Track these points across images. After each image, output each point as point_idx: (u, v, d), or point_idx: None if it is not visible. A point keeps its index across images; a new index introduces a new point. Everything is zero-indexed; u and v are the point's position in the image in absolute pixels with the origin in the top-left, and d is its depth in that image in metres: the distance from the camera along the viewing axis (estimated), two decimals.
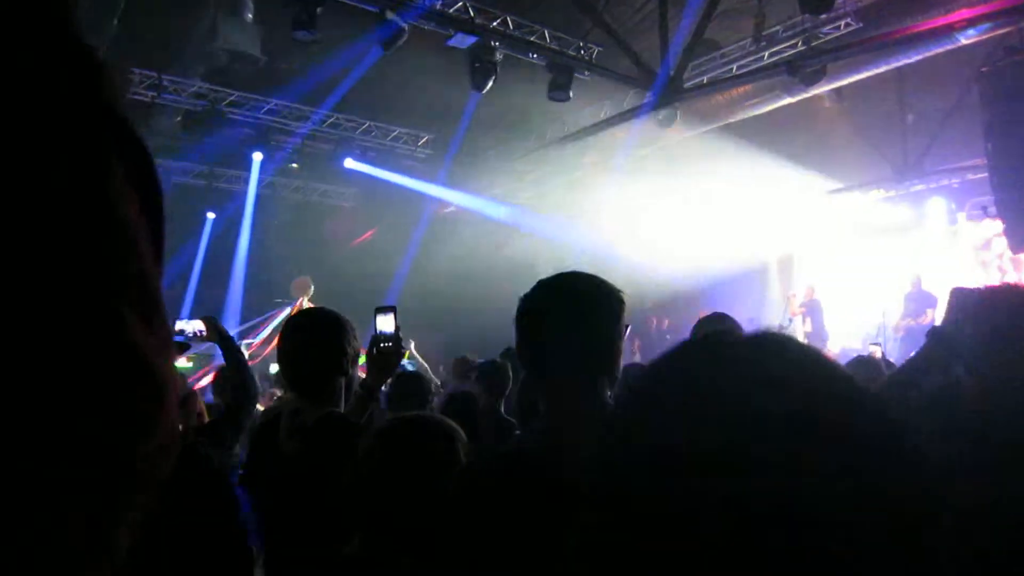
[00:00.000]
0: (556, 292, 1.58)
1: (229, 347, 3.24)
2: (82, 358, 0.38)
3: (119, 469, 0.39)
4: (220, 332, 3.29)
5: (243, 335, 11.63)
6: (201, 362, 10.32)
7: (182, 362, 10.58)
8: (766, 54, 9.04)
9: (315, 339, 2.17)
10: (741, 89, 9.36)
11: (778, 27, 8.87)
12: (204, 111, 10.37)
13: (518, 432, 3.57)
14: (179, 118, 10.57)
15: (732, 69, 9.41)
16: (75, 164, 0.40)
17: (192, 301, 12.62)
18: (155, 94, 10.03)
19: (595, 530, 0.55)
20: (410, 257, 13.60)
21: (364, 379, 2.37)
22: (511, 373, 4.35)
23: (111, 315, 0.40)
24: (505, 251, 13.39)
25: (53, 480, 0.37)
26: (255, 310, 12.83)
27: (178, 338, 3.46)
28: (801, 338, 10.10)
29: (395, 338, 2.35)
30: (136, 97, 9.99)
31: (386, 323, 2.36)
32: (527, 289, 1.59)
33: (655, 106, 9.14)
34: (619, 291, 1.60)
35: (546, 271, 1.64)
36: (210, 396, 5.42)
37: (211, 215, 12.67)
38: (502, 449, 1.57)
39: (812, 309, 11.56)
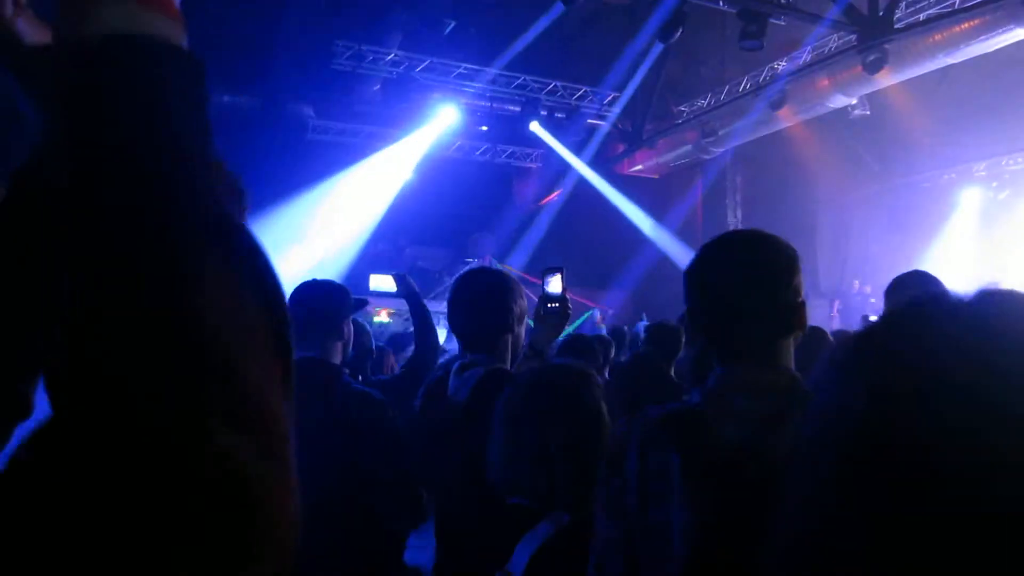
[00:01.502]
0: (729, 251, 1.51)
1: (416, 303, 3.40)
2: (156, 483, 0.34)
3: None
4: (409, 288, 3.46)
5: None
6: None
7: (383, 317, 11.36)
8: None
9: (483, 297, 2.24)
10: (965, 25, 8.35)
11: None
12: (399, 78, 10.88)
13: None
14: (377, 86, 11.16)
15: (955, 2, 8.40)
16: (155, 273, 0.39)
17: (369, 255, 13.32)
18: (356, 64, 10.65)
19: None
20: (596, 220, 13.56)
21: (532, 338, 2.41)
22: (682, 337, 4.23)
23: (190, 429, 0.36)
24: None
25: None
26: (447, 268, 13.41)
27: (369, 295, 3.71)
28: None
29: (562, 299, 2.37)
30: (338, 68, 10.68)
31: (554, 283, 2.38)
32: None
33: (861, 49, 8.39)
34: (792, 247, 1.49)
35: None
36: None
37: (405, 175, 13.28)
38: (664, 408, 1.51)
39: None
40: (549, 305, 2.37)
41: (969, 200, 12.81)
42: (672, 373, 4.25)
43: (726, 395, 1.40)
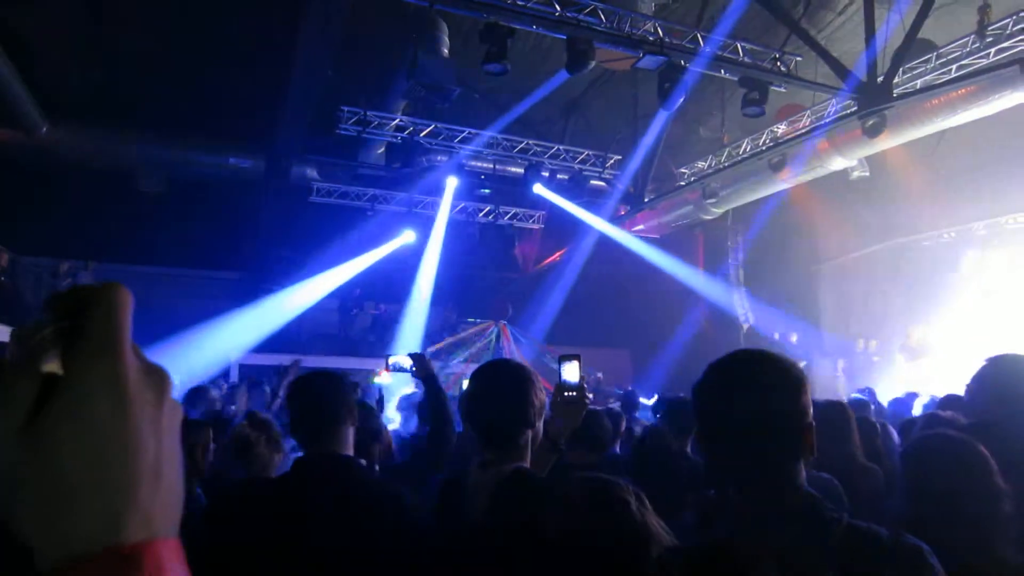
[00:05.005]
0: (738, 375, 1.48)
1: (432, 386, 3.35)
2: None
3: None
4: (426, 369, 3.41)
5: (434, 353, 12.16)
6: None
7: (383, 377, 11.28)
8: (992, 51, 8.14)
9: (504, 392, 2.16)
10: (961, 91, 8.51)
11: (1007, 20, 7.97)
12: (404, 143, 11.03)
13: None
14: (381, 150, 11.30)
15: (951, 70, 8.57)
16: None
17: (381, 317, 13.37)
18: (361, 129, 10.80)
19: None
20: (597, 279, 13.62)
21: (548, 429, 2.35)
22: None
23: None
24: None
25: None
26: (448, 328, 13.42)
27: (393, 368, 3.69)
28: None
29: (579, 387, 2.32)
30: (344, 132, 10.83)
31: (571, 372, 2.33)
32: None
33: (861, 114, 8.52)
34: (797, 364, 1.47)
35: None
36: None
37: (410, 234, 13.36)
38: (702, 543, 1.48)
39: None
40: (566, 394, 2.31)
41: (969, 259, 12.85)
42: (688, 449, 4.17)
43: (753, 526, 1.37)
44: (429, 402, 3.39)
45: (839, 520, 1.33)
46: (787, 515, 1.35)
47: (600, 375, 12.08)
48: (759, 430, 1.39)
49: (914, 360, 11.84)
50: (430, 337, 12.92)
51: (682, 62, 7.83)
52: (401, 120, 10.90)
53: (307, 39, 8.41)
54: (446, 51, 8.85)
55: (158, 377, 0.50)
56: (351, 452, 2.39)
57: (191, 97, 10.40)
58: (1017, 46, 7.95)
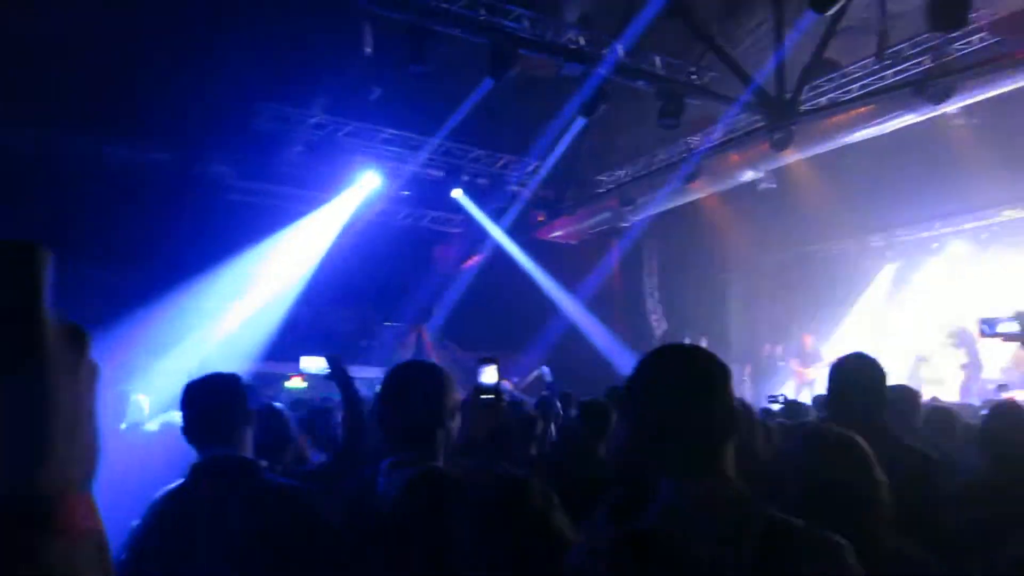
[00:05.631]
0: (668, 366, 1.54)
1: (348, 388, 3.28)
2: None
3: None
4: (341, 372, 3.34)
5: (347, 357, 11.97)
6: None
7: (296, 382, 11.04)
8: (890, 73, 8.65)
9: (416, 392, 2.17)
10: (861, 109, 9.02)
11: (904, 45, 8.47)
12: (322, 141, 10.87)
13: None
14: (300, 147, 11.10)
15: (852, 89, 9.05)
16: None
17: (293, 320, 13.09)
18: (278, 126, 10.59)
19: None
20: (520, 283, 13.71)
21: (463, 430, 2.37)
22: (612, 414, 4.25)
23: None
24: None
25: None
26: (362, 332, 13.24)
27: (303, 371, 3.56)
28: (957, 370, 9.61)
29: (497, 390, 2.35)
30: (261, 129, 10.58)
31: (489, 374, 2.36)
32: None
33: (769, 128, 8.91)
34: (722, 361, 1.55)
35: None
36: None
37: (326, 235, 13.12)
38: (625, 529, 1.53)
39: (963, 338, 10.89)
40: (483, 396, 2.34)
41: (866, 269, 13.58)
42: (601, 451, 4.25)
43: (684, 513, 1.43)
44: (345, 405, 3.34)
45: (763, 511, 1.41)
46: (717, 504, 1.41)
47: (515, 380, 12.17)
48: (698, 421, 1.45)
49: (807, 366, 12.51)
50: (348, 340, 12.73)
51: (603, 72, 8.01)
52: (320, 118, 10.73)
53: (223, 31, 8.20)
54: (369, 50, 8.78)
55: (77, 338, 0.51)
56: (249, 454, 2.34)
57: (100, 87, 9.95)
58: (912, 69, 8.46)
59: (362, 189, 12.30)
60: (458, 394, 2.20)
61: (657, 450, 1.50)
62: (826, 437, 2.00)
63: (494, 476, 1.75)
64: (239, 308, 11.75)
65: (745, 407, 3.70)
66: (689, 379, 1.49)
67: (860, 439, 1.93)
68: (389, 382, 2.22)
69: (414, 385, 2.19)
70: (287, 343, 12.68)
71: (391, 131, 11.20)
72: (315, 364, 3.59)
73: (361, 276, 13.17)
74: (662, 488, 1.48)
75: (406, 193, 12.68)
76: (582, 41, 7.96)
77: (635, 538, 1.47)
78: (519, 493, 1.65)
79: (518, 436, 4.02)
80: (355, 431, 3.18)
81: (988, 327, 2.87)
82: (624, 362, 10.87)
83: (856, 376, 2.70)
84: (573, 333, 13.32)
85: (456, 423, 2.19)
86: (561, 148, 11.16)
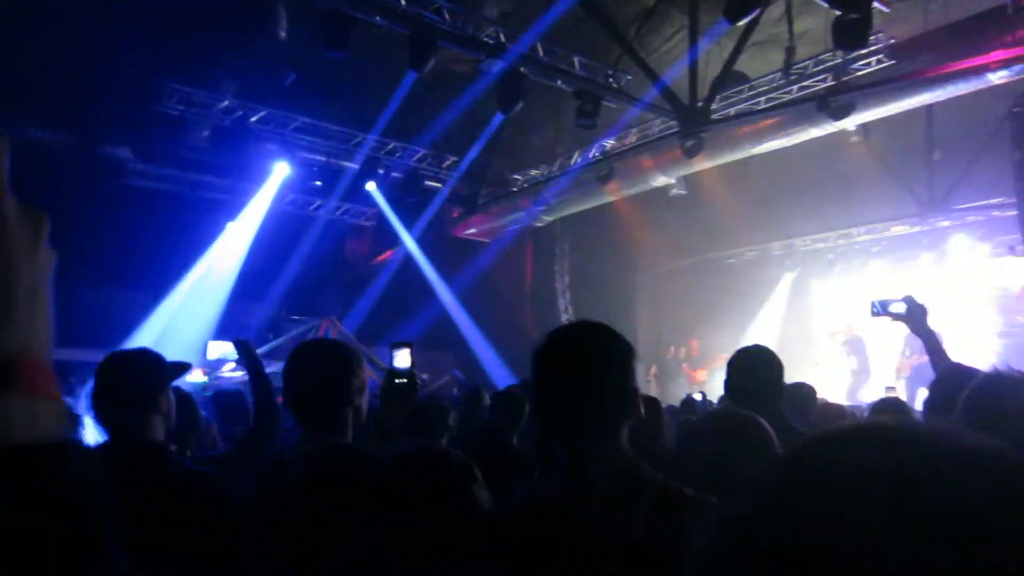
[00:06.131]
0: (571, 344, 1.57)
1: (257, 373, 3.18)
2: None
3: None
4: (250, 356, 3.24)
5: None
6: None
7: (196, 376, 10.62)
8: (795, 88, 9.03)
9: (322, 370, 2.12)
10: (768, 121, 9.38)
11: (808, 62, 8.87)
12: (232, 126, 10.49)
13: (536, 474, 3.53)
14: (207, 132, 10.68)
15: (760, 101, 9.41)
16: None
17: (192, 312, 12.65)
18: (184, 108, 10.16)
19: None
20: (428, 278, 13.64)
21: (377, 415, 2.33)
22: (527, 405, 4.28)
23: None
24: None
25: None
26: (271, 326, 12.87)
27: (208, 364, 3.41)
28: (847, 376, 10.05)
29: (410, 374, 2.33)
30: (165, 110, 10.13)
31: (402, 358, 2.33)
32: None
33: (681, 135, 9.15)
34: (628, 342, 1.59)
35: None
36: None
37: (233, 225, 12.70)
38: (524, 497, 1.56)
39: (856, 346, 11.44)
40: (396, 381, 2.31)
41: (766, 276, 14.15)
42: (515, 442, 4.26)
43: (580, 481, 1.48)
44: (254, 390, 3.23)
45: (654, 478, 1.48)
46: (612, 472, 1.47)
47: (425, 377, 12.08)
48: (595, 393, 1.49)
49: (695, 369, 13.15)
50: (256, 333, 12.34)
51: (521, 69, 8.05)
52: (230, 103, 10.36)
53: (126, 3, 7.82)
54: (284, 34, 8.55)
55: (36, 219, 0.55)
56: (159, 439, 2.23)
57: None
58: (816, 85, 8.87)
59: (273, 179, 11.98)
60: (365, 372, 2.15)
61: (555, 419, 1.53)
62: (731, 418, 2.07)
63: (415, 448, 1.73)
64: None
65: (652, 399, 3.79)
66: (589, 352, 1.53)
67: (763, 421, 1.99)
68: (294, 360, 2.16)
69: (320, 362, 2.13)
70: (191, 336, 12.21)
71: (304, 119, 10.92)
72: (222, 349, 3.46)
73: (268, 268, 12.82)
74: (558, 457, 1.52)
75: (318, 184, 12.40)
76: (502, 37, 7.97)
77: (533, 505, 1.50)
78: (440, 464, 1.63)
79: (435, 425, 3.99)
80: (266, 414, 3.09)
81: (879, 307, 3.01)
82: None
83: (755, 366, 2.80)
84: (482, 331, 13.34)
85: (365, 402, 2.15)
86: (478, 145, 11.15)
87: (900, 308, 3.02)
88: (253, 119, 10.60)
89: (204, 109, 10.31)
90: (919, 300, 3.10)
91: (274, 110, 10.65)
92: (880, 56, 8.31)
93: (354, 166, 11.75)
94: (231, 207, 12.64)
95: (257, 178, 12.12)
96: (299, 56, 8.69)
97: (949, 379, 2.48)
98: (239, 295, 12.81)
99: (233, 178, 12.13)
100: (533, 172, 12.46)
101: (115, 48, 8.73)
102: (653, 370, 13.58)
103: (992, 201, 10.55)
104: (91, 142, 10.47)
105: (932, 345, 2.98)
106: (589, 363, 1.52)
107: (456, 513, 1.63)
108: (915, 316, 3.05)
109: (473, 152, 11.37)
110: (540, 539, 1.45)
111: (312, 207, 13.32)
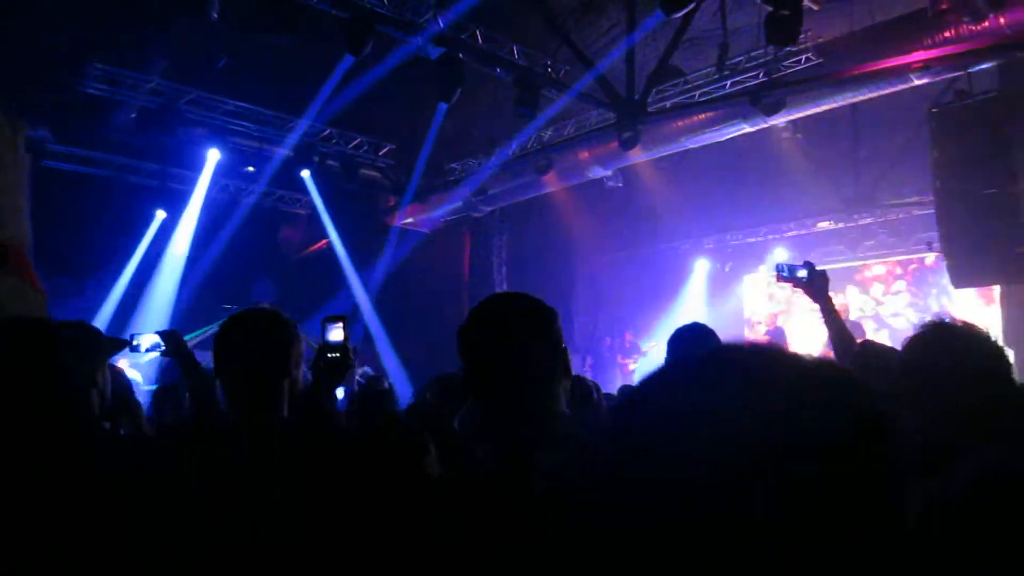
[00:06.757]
0: (494, 314, 1.58)
1: (189, 365, 3.09)
2: None
3: None
4: (180, 348, 3.15)
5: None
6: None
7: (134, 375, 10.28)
8: (728, 83, 9.23)
9: (256, 340, 2.05)
10: (702, 115, 9.57)
11: (741, 58, 9.07)
12: (160, 108, 10.14)
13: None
14: (134, 114, 10.31)
15: (695, 96, 9.58)
16: None
17: (123, 302, 12.26)
18: (111, 89, 9.78)
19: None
20: (367, 268, 13.49)
21: (310, 390, 2.28)
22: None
23: None
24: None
25: None
26: (202, 315, 12.53)
27: (134, 351, 3.29)
28: None
29: (343, 348, 2.28)
30: (90, 91, 9.73)
31: (335, 333, 2.29)
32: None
33: (618, 127, 9.26)
34: (550, 307, 1.62)
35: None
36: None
37: (161, 213, 12.32)
38: (471, 474, 1.55)
39: (777, 336, 11.76)
40: (329, 355, 2.27)
41: (701, 270, 14.45)
42: (456, 425, 4.26)
43: (515, 452, 1.46)
44: (188, 381, 3.15)
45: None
46: (549, 437, 1.44)
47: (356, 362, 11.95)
48: (521, 359, 1.48)
49: (627, 358, 13.41)
50: (184, 324, 11.99)
51: (460, 55, 8.01)
52: (159, 84, 10.01)
53: None
54: (215, 15, 8.32)
55: (12, 125, 0.54)
56: (94, 414, 2.16)
57: None
58: (748, 81, 9.08)
59: (205, 164, 11.65)
60: (302, 344, 2.10)
61: (489, 392, 1.53)
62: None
63: (367, 421, 1.71)
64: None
65: (584, 382, 3.83)
66: (510, 318, 1.53)
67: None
68: (226, 331, 2.07)
69: (253, 333, 2.06)
70: (118, 328, 11.80)
71: (237, 103, 10.63)
72: (149, 341, 3.35)
73: (199, 256, 12.48)
74: (495, 428, 1.50)
75: (251, 169, 12.11)
76: (440, 23, 7.91)
77: (469, 481, 1.49)
78: (393, 437, 1.62)
79: (375, 405, 3.96)
80: (201, 401, 3.01)
81: (787, 271, 3.07)
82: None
83: (693, 342, 2.85)
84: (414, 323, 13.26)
85: (301, 374, 2.10)
86: (416, 133, 11.06)
87: (802, 273, 3.06)
88: (183, 101, 10.27)
89: (130, 89, 9.94)
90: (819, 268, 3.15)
91: (205, 93, 10.34)
92: (809, 55, 8.56)
93: (289, 153, 11.51)
94: (160, 192, 12.26)
95: (187, 163, 11.78)
96: (233, 38, 8.47)
97: (864, 359, 2.55)
98: (168, 284, 12.46)
99: (163, 162, 11.76)
100: (471, 162, 12.42)
101: (35, 24, 8.34)
102: (589, 361, 13.74)
103: (912, 199, 11.00)
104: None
105: (829, 317, 3.01)
106: (511, 327, 1.52)
107: (409, 487, 1.62)
108: (816, 283, 3.09)
109: (410, 139, 11.26)
110: (486, 509, 1.43)
111: (245, 194, 13.00)
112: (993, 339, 1.66)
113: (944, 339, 1.65)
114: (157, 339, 3.24)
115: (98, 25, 9.00)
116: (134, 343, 3.40)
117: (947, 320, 1.72)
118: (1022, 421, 1.50)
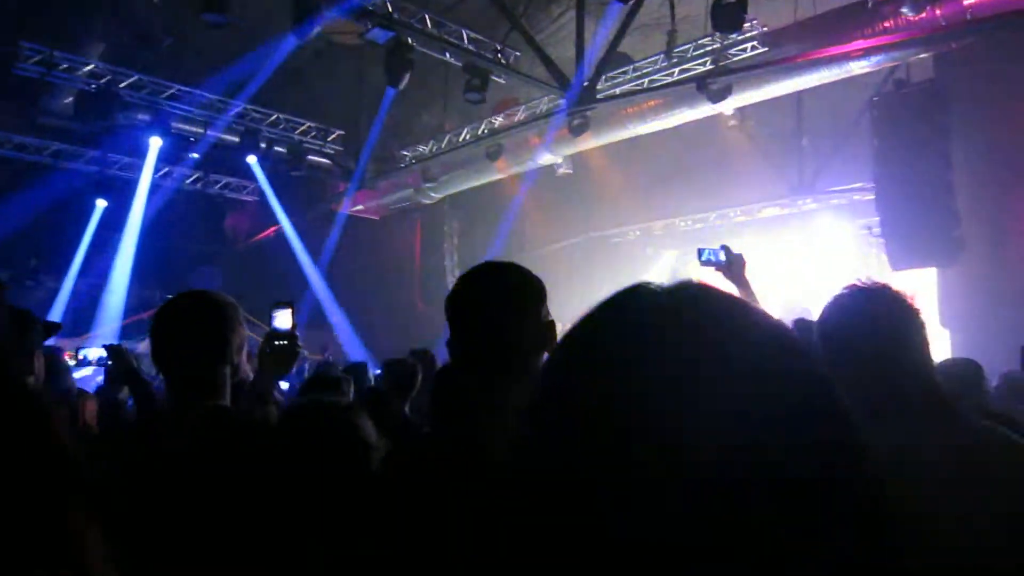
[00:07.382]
0: (484, 282, 1.58)
1: (133, 381, 3.01)
2: None
3: None
4: (126, 364, 3.04)
5: (127, 333, 11.13)
6: None
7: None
8: (676, 70, 9.32)
9: (195, 325, 1.91)
10: (651, 102, 9.65)
11: (689, 46, 9.17)
12: (99, 92, 9.81)
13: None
14: (71, 99, 9.95)
15: (644, 83, 9.66)
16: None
17: (72, 294, 11.92)
18: (45, 71, 9.42)
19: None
20: (315, 256, 13.32)
21: (255, 379, 2.21)
22: (420, 374, 4.26)
23: None
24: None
25: None
26: (144, 305, 12.24)
27: (83, 365, 3.21)
28: None
29: (291, 335, 2.21)
30: (23, 73, 9.36)
31: (283, 319, 2.23)
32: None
33: (569, 113, 9.29)
34: (538, 279, 1.62)
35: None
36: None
37: (102, 202, 11.96)
38: (436, 437, 1.54)
39: None
40: (276, 342, 2.21)
41: (648, 254, 14.62)
42: (405, 411, 4.24)
43: (502, 417, 1.46)
44: (133, 395, 3.06)
45: None
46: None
47: (305, 352, 11.82)
48: (507, 326, 1.48)
49: None
50: (128, 316, 11.72)
51: (409, 40, 7.93)
52: (97, 66, 9.69)
53: None
54: None
55: None
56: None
57: None
58: (695, 68, 9.18)
59: (148, 151, 11.33)
60: (244, 329, 2.03)
61: (480, 355, 1.53)
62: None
63: (320, 405, 1.69)
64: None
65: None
66: (501, 288, 1.53)
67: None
68: (162, 316, 1.93)
69: (187, 317, 1.93)
70: (62, 320, 11.44)
71: (180, 87, 10.35)
72: (94, 353, 3.26)
73: (142, 246, 12.16)
74: (475, 395, 1.50)
75: (194, 156, 11.82)
76: (389, 7, 7.82)
77: (451, 442, 1.48)
78: (330, 421, 1.61)
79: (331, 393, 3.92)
80: (144, 407, 2.93)
81: (711, 255, 3.10)
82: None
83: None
84: (366, 309, 13.17)
85: (243, 360, 2.01)
86: (365, 119, 10.94)
87: (721, 256, 3.10)
88: (122, 85, 9.96)
89: (67, 72, 9.59)
90: (735, 251, 3.18)
91: (145, 76, 10.04)
92: (755, 43, 8.70)
93: (234, 138, 11.25)
94: (100, 179, 11.90)
95: (128, 149, 11.45)
96: (174, 19, 8.25)
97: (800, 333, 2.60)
98: (108, 274, 12.14)
99: (102, 148, 11.40)
100: (421, 148, 12.34)
101: None
102: None
103: (854, 186, 11.28)
104: None
105: (748, 299, 3.04)
106: (505, 295, 1.52)
107: (349, 471, 1.61)
108: (733, 266, 3.12)
109: (359, 125, 11.13)
110: (448, 479, 1.42)
111: (188, 180, 12.70)
112: (908, 299, 1.65)
113: (858, 300, 1.65)
114: (103, 352, 3.15)
115: (29, 3, 8.67)
116: (80, 356, 3.30)
117: (862, 282, 1.71)
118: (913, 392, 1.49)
